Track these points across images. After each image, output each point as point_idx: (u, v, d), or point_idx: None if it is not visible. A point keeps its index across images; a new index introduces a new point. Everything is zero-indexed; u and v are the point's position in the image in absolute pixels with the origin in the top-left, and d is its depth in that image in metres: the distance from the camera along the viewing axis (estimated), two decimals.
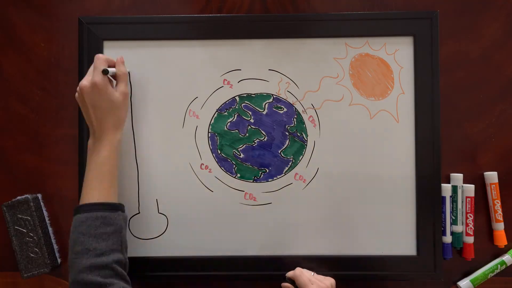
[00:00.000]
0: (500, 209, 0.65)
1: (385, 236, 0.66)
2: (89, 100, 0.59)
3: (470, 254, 0.65)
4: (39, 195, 0.67)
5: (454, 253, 0.66)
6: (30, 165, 0.68)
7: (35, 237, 0.65)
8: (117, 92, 0.61)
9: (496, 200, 0.65)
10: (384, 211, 0.66)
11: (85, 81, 0.59)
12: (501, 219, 0.65)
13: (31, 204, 0.65)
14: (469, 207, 0.65)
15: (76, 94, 0.60)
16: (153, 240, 0.67)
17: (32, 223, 0.65)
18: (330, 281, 0.59)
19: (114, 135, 0.60)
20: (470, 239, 0.65)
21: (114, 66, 0.62)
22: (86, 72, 0.66)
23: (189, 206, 0.67)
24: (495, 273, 0.65)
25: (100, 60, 0.60)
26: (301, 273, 0.60)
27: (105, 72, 0.59)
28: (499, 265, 0.65)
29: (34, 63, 0.68)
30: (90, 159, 0.60)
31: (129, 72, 0.66)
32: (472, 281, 0.65)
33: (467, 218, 0.65)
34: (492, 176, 0.66)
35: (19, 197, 0.66)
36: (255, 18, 0.67)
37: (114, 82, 0.63)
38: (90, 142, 0.61)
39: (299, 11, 0.68)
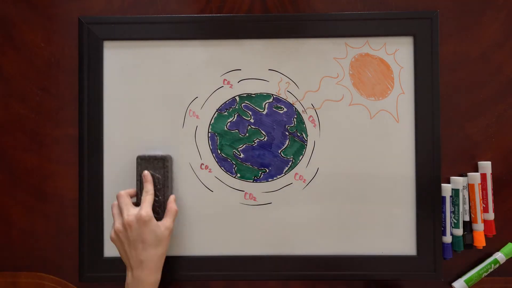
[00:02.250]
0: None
1: (385, 236, 0.66)
2: (134, 235, 0.57)
3: (491, 231, 0.66)
4: (172, 157, 0.66)
5: (453, 253, 0.66)
6: (30, 165, 0.68)
7: (160, 197, 0.63)
8: (162, 226, 0.59)
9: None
10: (384, 211, 0.66)
11: (130, 217, 0.58)
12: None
13: (167, 163, 0.64)
14: (487, 184, 0.66)
15: (113, 234, 0.59)
16: None
17: (162, 182, 0.63)
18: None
19: (155, 275, 0.59)
20: (491, 216, 0.66)
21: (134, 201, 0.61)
22: (86, 72, 0.66)
23: (189, 206, 0.67)
24: (489, 272, 0.65)
25: (124, 197, 0.60)
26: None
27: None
28: (492, 264, 0.65)
29: (34, 63, 0.68)
30: None
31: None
32: (466, 281, 0.65)
33: (487, 195, 0.66)
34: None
35: (155, 153, 0.64)
36: (255, 18, 0.67)
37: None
38: (128, 279, 0.59)
39: (299, 11, 0.68)
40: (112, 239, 0.60)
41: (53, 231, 0.68)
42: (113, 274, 0.66)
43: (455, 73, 0.67)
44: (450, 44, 0.67)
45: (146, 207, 0.59)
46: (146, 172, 0.63)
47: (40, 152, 0.68)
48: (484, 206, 0.66)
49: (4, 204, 0.68)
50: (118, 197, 0.60)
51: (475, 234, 0.66)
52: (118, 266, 0.66)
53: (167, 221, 0.60)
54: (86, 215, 0.66)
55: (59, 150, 0.68)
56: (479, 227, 0.65)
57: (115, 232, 0.59)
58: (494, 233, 0.66)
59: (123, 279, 0.66)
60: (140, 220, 0.57)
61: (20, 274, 0.67)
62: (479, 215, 0.65)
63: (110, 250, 0.67)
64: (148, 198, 0.60)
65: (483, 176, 0.66)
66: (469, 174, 0.66)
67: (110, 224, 0.66)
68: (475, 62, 0.67)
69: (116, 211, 0.60)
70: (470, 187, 0.66)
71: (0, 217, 0.68)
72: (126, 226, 0.58)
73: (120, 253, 0.60)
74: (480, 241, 0.65)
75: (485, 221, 0.66)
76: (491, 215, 0.66)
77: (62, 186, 0.68)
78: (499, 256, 0.65)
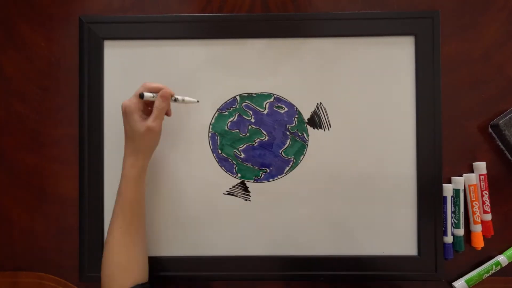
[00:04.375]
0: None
1: (386, 236, 0.66)
2: (123, 119, 0.59)
3: (489, 231, 0.65)
4: None
5: (454, 253, 0.66)
6: (30, 165, 0.68)
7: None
8: (143, 122, 0.58)
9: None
10: (385, 211, 0.66)
11: (125, 101, 0.59)
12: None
13: None
14: (483, 185, 0.65)
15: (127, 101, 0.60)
16: (153, 240, 0.67)
17: None
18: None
19: (130, 163, 0.59)
20: (488, 216, 0.65)
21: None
22: (87, 71, 0.66)
23: (190, 206, 0.67)
24: (490, 273, 0.65)
25: (142, 87, 0.59)
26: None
27: (141, 96, 0.58)
28: (494, 266, 0.65)
29: (35, 63, 0.68)
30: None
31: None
32: (467, 281, 0.65)
33: (482, 196, 0.65)
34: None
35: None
36: (255, 17, 0.67)
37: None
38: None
39: (300, 11, 0.68)
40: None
41: (53, 231, 0.68)
42: None
43: (456, 73, 0.67)
44: (451, 43, 0.67)
45: (132, 99, 0.59)
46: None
47: (40, 152, 0.68)
48: (482, 206, 0.66)
49: (4, 204, 0.68)
50: (142, 85, 0.60)
51: (473, 235, 0.66)
52: None
53: (148, 119, 0.59)
54: (86, 215, 0.66)
55: (59, 150, 0.68)
56: (476, 228, 0.65)
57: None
58: (492, 233, 0.66)
59: None
60: (125, 108, 0.58)
61: (20, 274, 0.67)
62: (475, 216, 0.65)
63: None
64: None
65: (479, 177, 0.66)
66: (464, 175, 0.66)
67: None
68: (476, 62, 0.67)
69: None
70: (467, 188, 0.66)
71: (1, 217, 0.67)
72: (121, 106, 0.59)
73: None
74: (477, 242, 0.65)
75: (483, 222, 0.66)
76: (488, 216, 0.66)
77: (62, 186, 0.68)
78: (502, 258, 0.65)
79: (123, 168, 0.59)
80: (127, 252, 0.58)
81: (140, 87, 0.59)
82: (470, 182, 0.66)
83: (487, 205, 0.65)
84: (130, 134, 0.59)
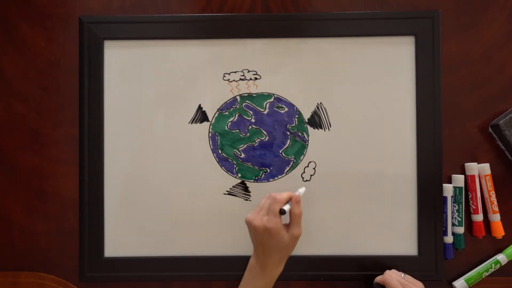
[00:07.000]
0: (496, 200, 0.65)
1: (386, 236, 0.66)
2: (259, 238, 0.57)
3: (500, 232, 0.65)
4: None
5: (455, 253, 0.66)
6: (30, 165, 0.68)
7: None
8: (289, 234, 0.58)
9: (492, 192, 0.65)
10: (385, 211, 0.66)
11: (259, 222, 0.57)
12: (497, 209, 0.65)
13: None
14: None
15: (249, 217, 0.59)
16: (154, 240, 0.67)
17: None
18: (420, 284, 0.59)
19: (276, 268, 0.59)
20: (496, 217, 0.65)
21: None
22: (87, 72, 0.66)
23: (190, 206, 0.67)
24: (490, 272, 0.65)
25: (276, 202, 0.57)
26: (391, 277, 0.60)
27: (282, 212, 0.57)
28: (493, 264, 0.65)
29: (35, 63, 0.68)
30: (248, 279, 0.60)
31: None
32: (466, 280, 0.65)
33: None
34: (485, 168, 0.66)
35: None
36: (256, 17, 0.67)
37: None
38: (252, 261, 0.60)
39: (300, 11, 0.67)
40: (246, 221, 0.59)
41: (53, 231, 0.68)
42: (113, 274, 0.66)
43: (456, 72, 0.67)
44: (452, 43, 0.67)
45: (273, 221, 0.57)
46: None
47: (40, 152, 0.68)
48: (474, 207, 0.66)
49: (4, 204, 0.68)
50: (271, 199, 0.58)
51: (492, 225, 0.65)
52: (118, 266, 0.66)
53: (293, 229, 0.58)
54: (86, 215, 0.66)
55: (60, 150, 0.68)
56: (495, 217, 0.65)
57: (247, 223, 0.58)
58: (484, 234, 0.66)
59: (123, 279, 0.66)
60: (267, 230, 0.56)
61: (20, 274, 0.67)
62: (494, 205, 0.65)
63: (110, 250, 0.67)
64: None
65: (472, 178, 0.66)
66: (479, 165, 0.66)
67: (110, 224, 0.67)
68: (477, 62, 0.67)
69: (264, 205, 0.59)
70: (483, 178, 0.66)
71: (1, 217, 0.67)
72: (254, 229, 0.57)
73: (250, 237, 0.60)
74: (498, 231, 0.65)
75: (473, 223, 0.66)
76: (480, 217, 0.66)
77: (62, 186, 0.68)
78: (501, 257, 0.65)
79: (264, 268, 0.58)
80: None
81: (268, 201, 0.58)
82: (485, 172, 0.65)
83: (480, 207, 0.65)
84: (277, 248, 0.58)
